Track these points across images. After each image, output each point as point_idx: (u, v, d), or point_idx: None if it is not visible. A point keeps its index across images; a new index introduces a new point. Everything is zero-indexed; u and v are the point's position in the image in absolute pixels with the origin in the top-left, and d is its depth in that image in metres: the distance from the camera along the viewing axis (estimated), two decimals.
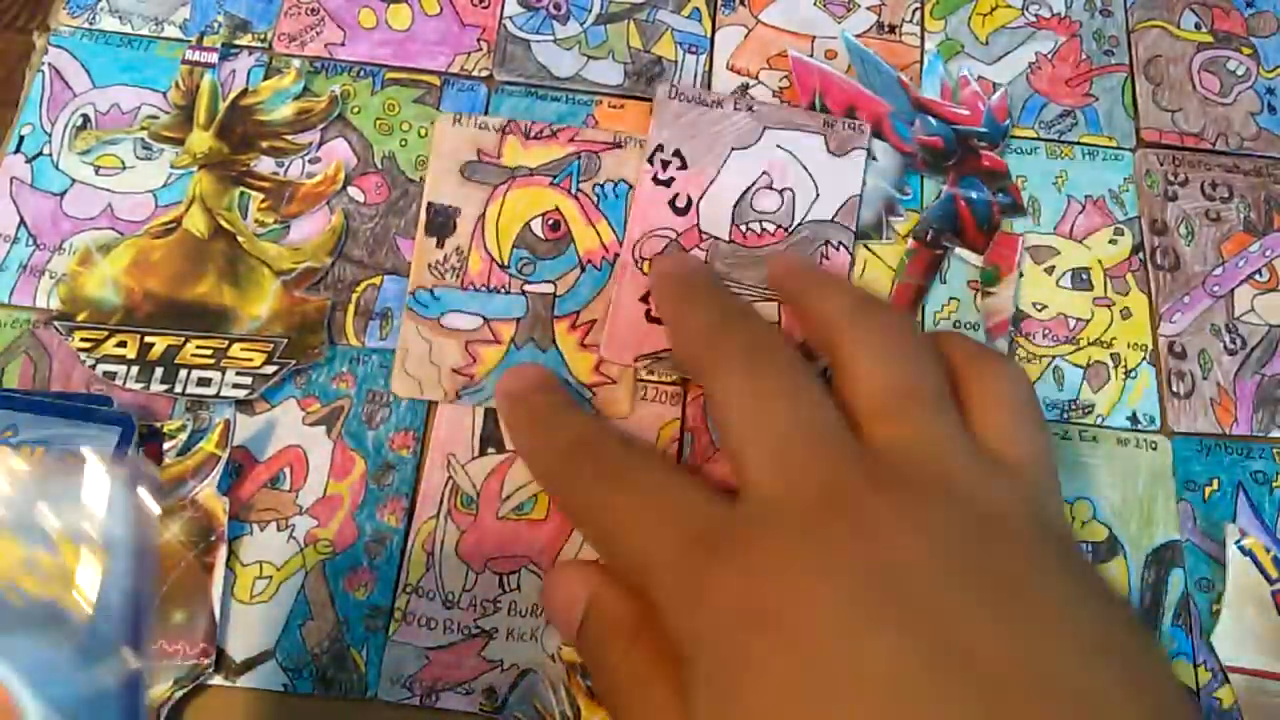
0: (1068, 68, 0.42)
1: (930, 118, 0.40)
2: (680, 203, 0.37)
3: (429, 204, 0.37)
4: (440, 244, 0.36)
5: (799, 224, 0.37)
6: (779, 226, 0.37)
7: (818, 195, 0.38)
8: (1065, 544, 0.23)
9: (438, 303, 0.36)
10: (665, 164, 0.38)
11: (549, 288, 0.36)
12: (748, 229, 0.37)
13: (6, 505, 0.27)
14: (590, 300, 0.36)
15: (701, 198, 0.37)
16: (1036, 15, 0.43)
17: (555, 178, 0.38)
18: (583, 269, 0.37)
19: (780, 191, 0.38)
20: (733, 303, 0.30)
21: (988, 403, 0.26)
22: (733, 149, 0.38)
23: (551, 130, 0.38)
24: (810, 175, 0.38)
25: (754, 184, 0.38)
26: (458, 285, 0.36)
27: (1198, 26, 0.44)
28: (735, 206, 0.37)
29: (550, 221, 0.37)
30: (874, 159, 0.39)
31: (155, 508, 0.29)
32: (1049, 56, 0.43)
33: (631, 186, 0.38)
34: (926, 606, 0.19)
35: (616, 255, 0.37)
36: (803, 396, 0.24)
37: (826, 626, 0.19)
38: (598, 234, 0.37)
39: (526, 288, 0.36)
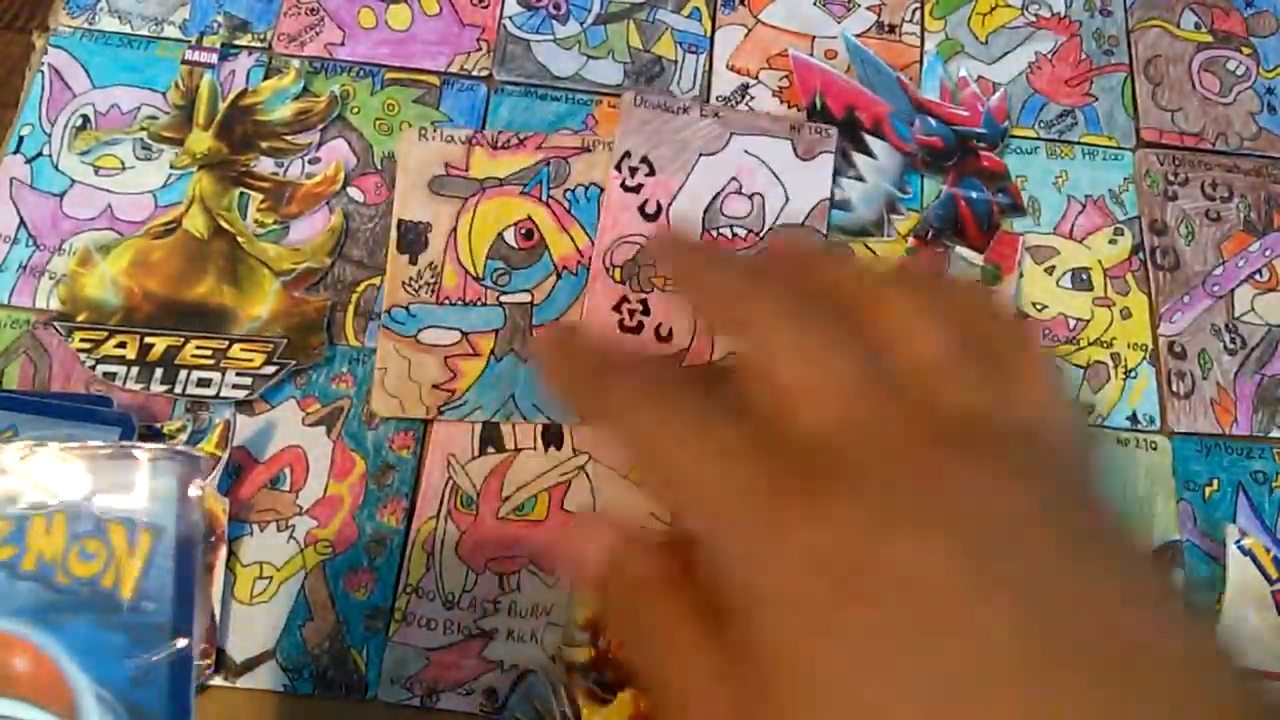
0: (1068, 67, 0.42)
1: (930, 118, 0.40)
2: (650, 209, 0.37)
3: (399, 221, 0.37)
4: (413, 260, 0.36)
5: (770, 228, 0.38)
6: (750, 231, 0.37)
7: (787, 200, 0.38)
8: (1114, 506, 0.23)
9: (414, 319, 0.36)
10: (633, 170, 0.38)
11: (526, 297, 0.36)
12: (719, 234, 0.37)
13: (61, 491, 0.27)
14: (569, 307, 0.36)
15: (671, 204, 0.37)
16: (1036, 15, 0.43)
17: (525, 186, 0.38)
18: (559, 276, 0.37)
19: (750, 196, 0.38)
20: (760, 262, 0.29)
21: (1029, 379, 0.25)
22: (701, 155, 0.38)
23: (519, 138, 0.38)
24: (779, 180, 0.38)
25: (723, 189, 0.38)
26: (433, 300, 0.36)
27: (1197, 26, 0.44)
28: (705, 212, 0.38)
29: (523, 230, 0.37)
30: (874, 158, 0.39)
31: (201, 502, 0.29)
32: (1049, 56, 0.43)
33: (603, 190, 0.38)
34: (1032, 569, 0.18)
35: (592, 260, 0.37)
36: (859, 348, 0.24)
37: (920, 582, 0.18)
38: (572, 239, 0.37)
39: (503, 298, 0.36)
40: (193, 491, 0.28)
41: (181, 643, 0.28)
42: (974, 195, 0.39)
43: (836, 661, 0.18)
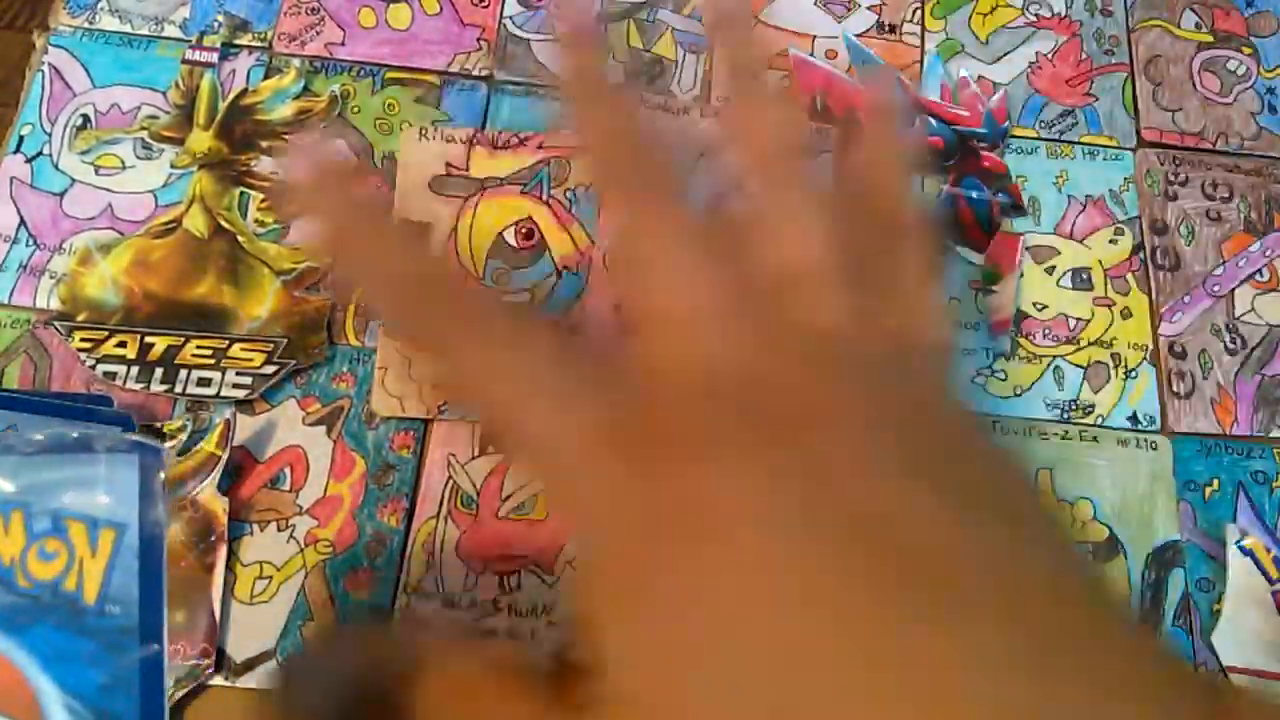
0: (1068, 67, 0.42)
1: (931, 118, 0.40)
2: None
3: (400, 220, 0.37)
4: None
5: None
6: None
7: None
8: (979, 424, 0.22)
9: None
10: None
11: (526, 296, 0.36)
12: None
13: (17, 485, 0.26)
14: (569, 306, 0.36)
15: None
16: (1037, 15, 0.43)
17: (525, 186, 0.38)
18: (559, 275, 0.37)
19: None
20: (650, 119, 0.25)
21: (897, 278, 0.23)
22: (700, 154, 0.38)
23: (519, 138, 0.38)
24: None
25: (723, 189, 0.38)
26: None
27: (1198, 26, 0.44)
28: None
29: (523, 230, 0.37)
30: None
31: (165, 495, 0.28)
32: (1049, 56, 0.43)
33: None
34: (868, 505, 0.17)
35: (592, 259, 0.37)
36: (726, 255, 0.21)
37: (757, 533, 0.17)
38: (572, 239, 0.37)
39: (503, 298, 0.36)
40: (155, 485, 0.27)
41: (152, 647, 0.27)
42: (974, 195, 0.39)
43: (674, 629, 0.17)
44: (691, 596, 0.17)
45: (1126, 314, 0.38)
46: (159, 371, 0.34)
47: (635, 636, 0.17)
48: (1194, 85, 0.42)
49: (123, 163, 0.38)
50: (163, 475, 0.27)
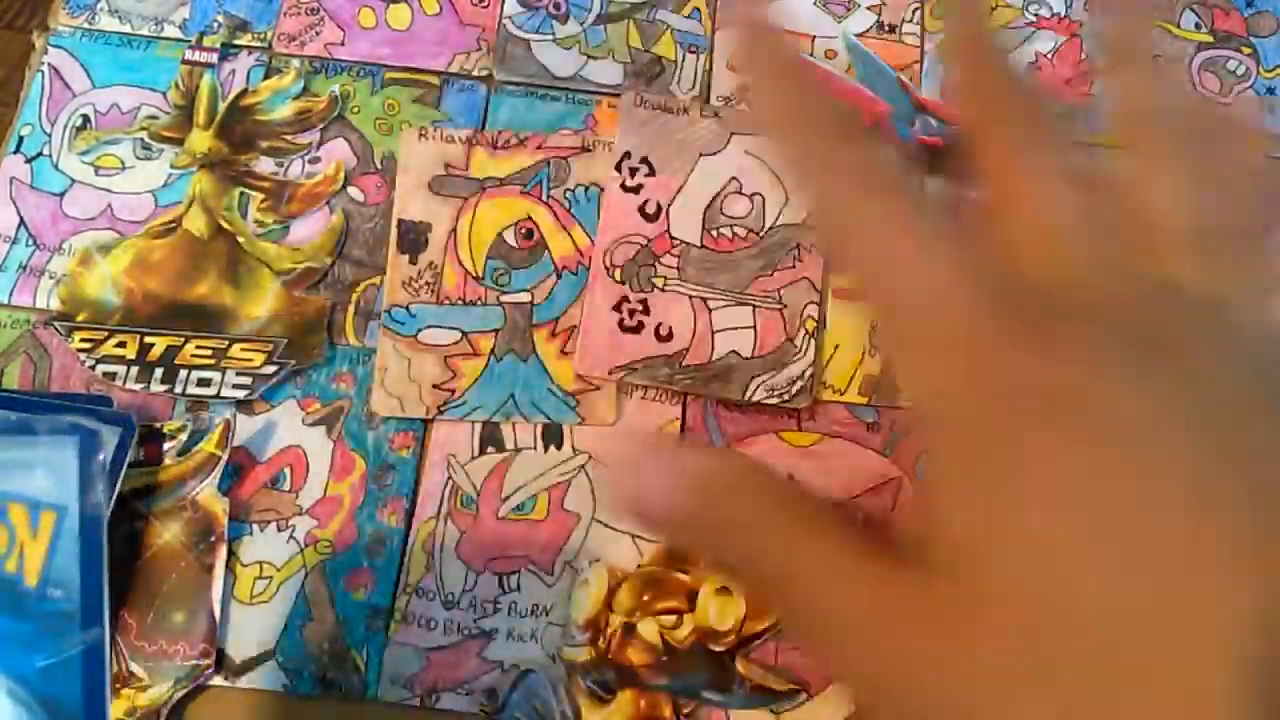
0: (1068, 67, 0.42)
1: (930, 118, 0.40)
2: (650, 209, 0.37)
3: (399, 220, 0.37)
4: (413, 260, 0.37)
5: (770, 228, 0.38)
6: (750, 231, 0.37)
7: (787, 199, 0.38)
8: None
9: (414, 319, 0.36)
10: (633, 171, 0.38)
11: (526, 296, 0.36)
12: (719, 234, 0.37)
13: None
14: (568, 306, 0.36)
15: (671, 204, 0.38)
16: (1036, 15, 0.43)
17: (525, 186, 0.38)
18: (559, 275, 0.37)
19: (750, 196, 0.38)
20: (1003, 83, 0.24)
21: (1252, 254, 0.23)
22: (701, 155, 0.38)
23: (519, 138, 0.38)
24: (780, 180, 0.38)
25: (723, 189, 0.38)
26: (434, 300, 0.36)
27: (1198, 26, 0.44)
28: (705, 212, 0.38)
29: (523, 230, 0.37)
30: None
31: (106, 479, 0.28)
32: (1049, 56, 0.43)
33: (603, 190, 0.38)
34: (1241, 439, 0.17)
35: (592, 259, 0.37)
36: (1105, 193, 0.22)
37: (1127, 435, 0.17)
38: (571, 239, 0.37)
39: (503, 298, 0.36)
40: (95, 468, 0.26)
41: (94, 632, 0.26)
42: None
43: (1016, 488, 0.17)
44: (1045, 477, 0.17)
45: None
46: (159, 371, 0.34)
47: (971, 509, 0.17)
48: (1193, 85, 0.42)
49: (122, 163, 0.38)
50: (102, 457, 0.27)
